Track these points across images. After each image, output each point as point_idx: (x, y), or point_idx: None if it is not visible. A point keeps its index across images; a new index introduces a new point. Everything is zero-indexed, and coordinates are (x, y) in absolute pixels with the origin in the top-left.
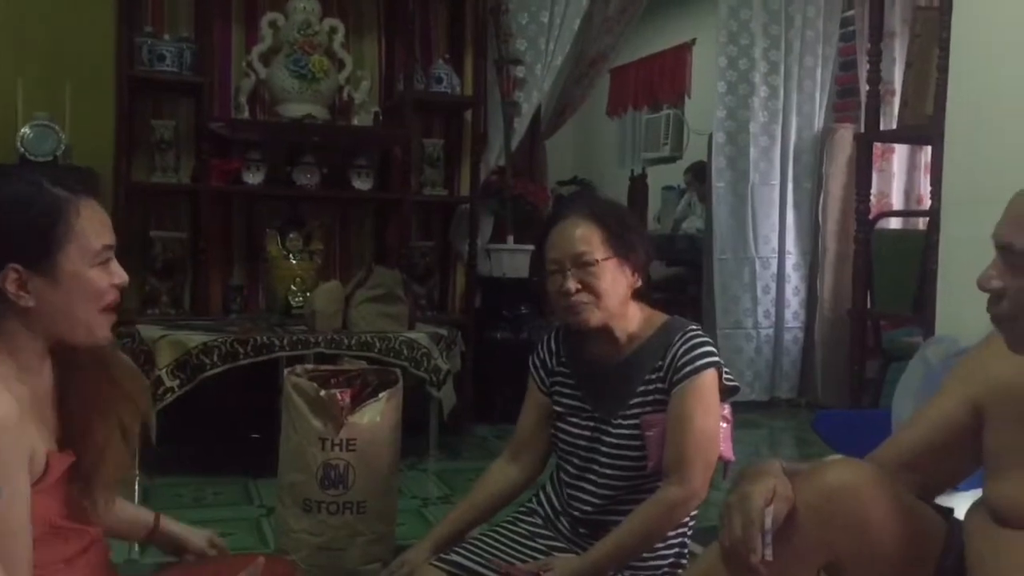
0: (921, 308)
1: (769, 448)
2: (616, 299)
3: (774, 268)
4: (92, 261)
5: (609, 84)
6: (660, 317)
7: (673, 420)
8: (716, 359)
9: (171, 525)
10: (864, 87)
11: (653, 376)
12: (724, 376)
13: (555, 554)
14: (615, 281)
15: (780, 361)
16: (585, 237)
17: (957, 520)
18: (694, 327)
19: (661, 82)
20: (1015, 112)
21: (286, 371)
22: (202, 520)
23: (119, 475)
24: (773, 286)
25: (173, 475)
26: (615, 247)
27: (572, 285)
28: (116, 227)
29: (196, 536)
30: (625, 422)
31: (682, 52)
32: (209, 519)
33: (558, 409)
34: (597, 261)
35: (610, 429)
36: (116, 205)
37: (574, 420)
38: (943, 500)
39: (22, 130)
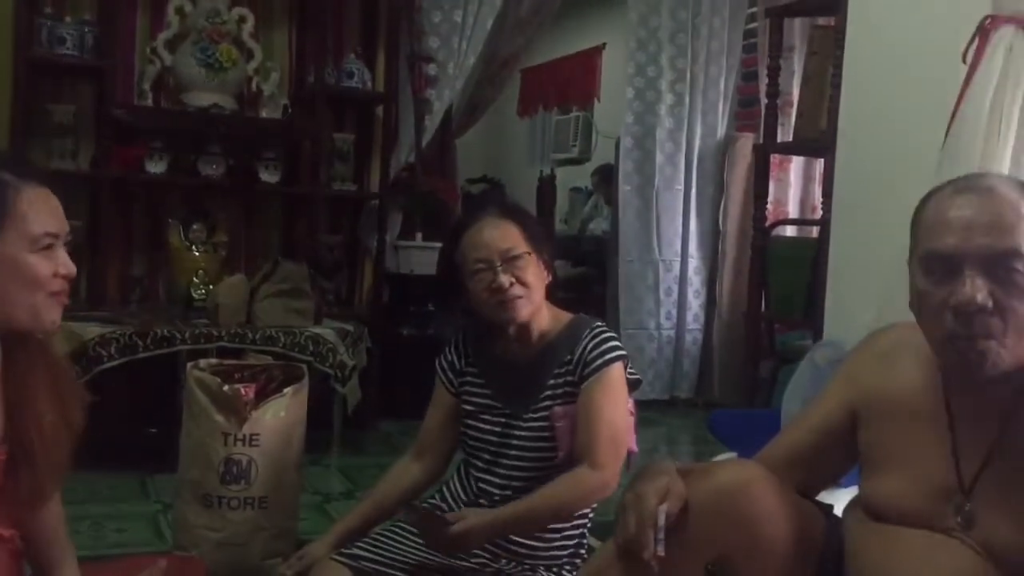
0: (812, 312)
1: (668, 446)
2: (540, 292)
3: (677, 271)
4: (32, 247)
5: (520, 84)
6: (566, 315)
7: (583, 412)
8: (623, 352)
9: None
10: (764, 100)
11: (562, 370)
12: (627, 370)
13: None
14: (538, 275)
15: (680, 361)
16: (508, 234)
17: (836, 516)
18: (600, 323)
19: (571, 84)
20: (902, 129)
21: (189, 365)
22: (97, 515)
23: (54, 479)
24: (675, 288)
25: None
26: (532, 243)
27: (506, 280)
28: None
29: None
30: (535, 415)
31: (592, 56)
32: (104, 514)
33: (468, 408)
34: (524, 254)
35: (520, 424)
36: None
37: (485, 417)
38: (825, 496)
39: None
